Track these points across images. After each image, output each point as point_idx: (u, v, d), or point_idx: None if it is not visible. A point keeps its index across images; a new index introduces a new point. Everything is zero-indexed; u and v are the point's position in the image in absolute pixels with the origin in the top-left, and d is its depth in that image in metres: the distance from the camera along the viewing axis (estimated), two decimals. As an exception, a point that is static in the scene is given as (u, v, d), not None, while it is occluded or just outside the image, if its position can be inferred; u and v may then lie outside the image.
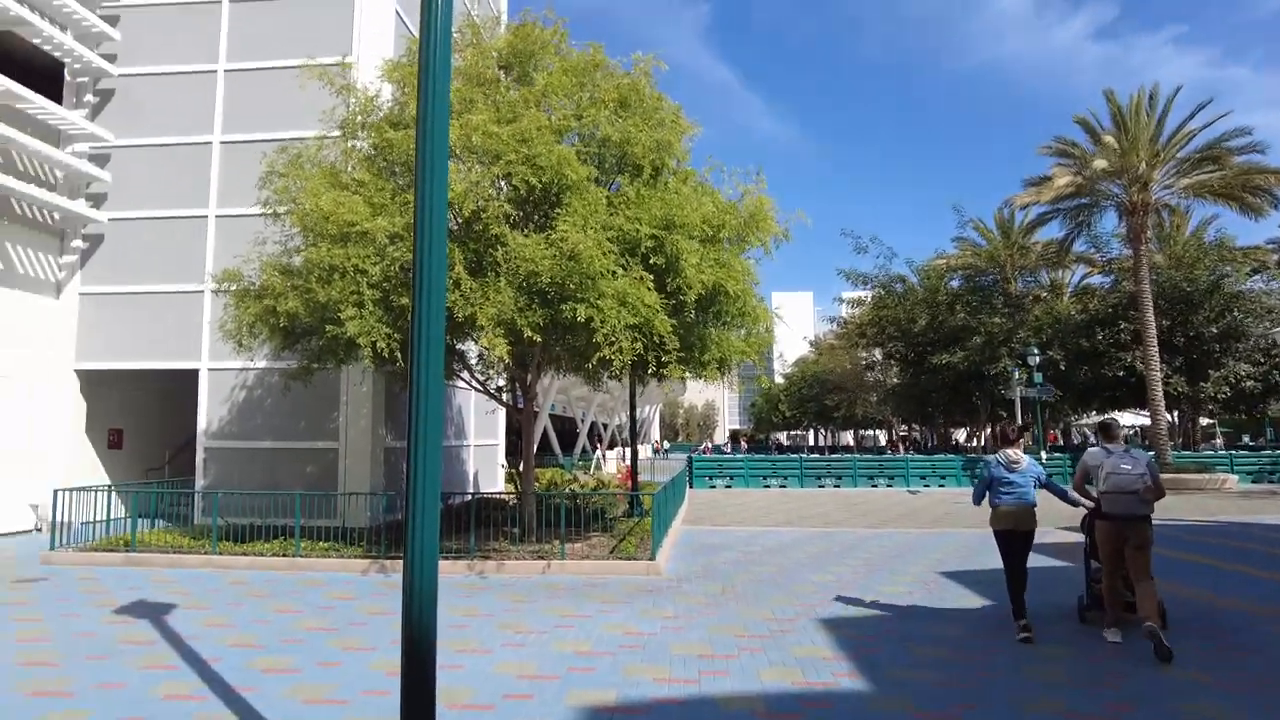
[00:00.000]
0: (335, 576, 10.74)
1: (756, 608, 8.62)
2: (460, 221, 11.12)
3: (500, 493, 18.92)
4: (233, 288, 11.81)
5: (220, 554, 11.59)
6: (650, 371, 11.13)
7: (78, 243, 16.13)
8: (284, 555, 11.51)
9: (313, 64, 11.86)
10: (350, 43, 15.34)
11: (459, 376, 14.02)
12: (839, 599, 9.05)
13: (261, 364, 14.94)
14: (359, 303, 10.02)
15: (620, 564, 10.83)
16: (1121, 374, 31.18)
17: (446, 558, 10.98)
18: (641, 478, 21.35)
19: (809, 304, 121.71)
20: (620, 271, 9.89)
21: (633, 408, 18.87)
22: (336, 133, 11.99)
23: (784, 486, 27.61)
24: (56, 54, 15.50)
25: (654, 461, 37.56)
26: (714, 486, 27.54)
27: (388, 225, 10.00)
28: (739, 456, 32.20)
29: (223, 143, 16.02)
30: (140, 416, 18.19)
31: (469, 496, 14.96)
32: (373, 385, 14.97)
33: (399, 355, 10.09)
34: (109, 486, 13.47)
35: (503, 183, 10.77)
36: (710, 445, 76.99)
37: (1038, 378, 27.79)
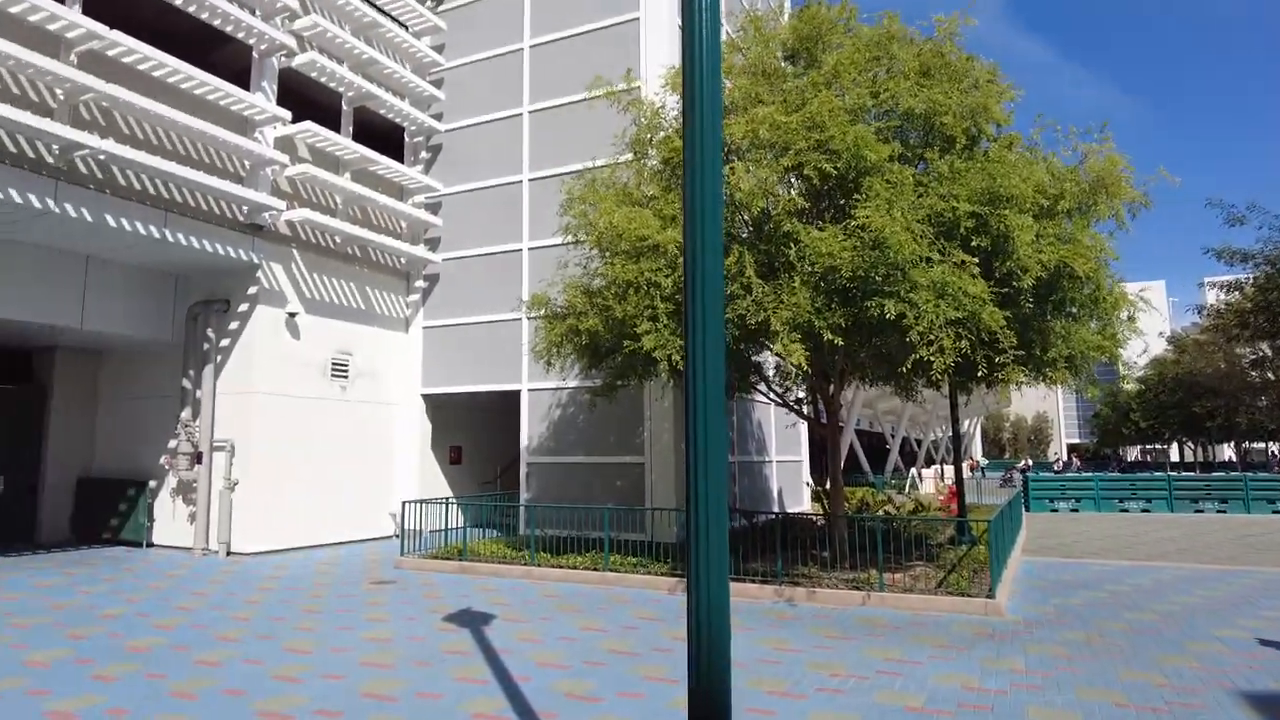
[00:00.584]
0: (642, 594, 10.57)
1: (1138, 667, 6.77)
2: (750, 224, 10.55)
3: (807, 512, 17.95)
4: (541, 311, 12.34)
5: (538, 565, 12.06)
6: (979, 375, 9.52)
7: (420, 282, 18.26)
8: (594, 569, 11.65)
9: (602, 93, 12.05)
10: (637, 65, 15.59)
11: (756, 389, 13.40)
12: (1266, 664, 6.82)
13: (573, 383, 15.62)
14: (653, 316, 9.84)
15: (951, 600, 9.34)
16: None
17: (753, 581, 10.38)
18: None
19: (1161, 294, 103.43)
20: (936, 258, 8.54)
21: (955, 420, 16.86)
22: (628, 155, 12.08)
23: (1146, 510, 23.20)
24: (397, 120, 17.75)
25: (978, 481, 33.85)
26: (1056, 510, 23.95)
27: (677, 236, 9.70)
28: (1087, 475, 27.74)
29: (530, 179, 17.18)
30: (475, 435, 20.09)
31: (774, 515, 14.23)
32: (673, 400, 14.91)
33: (693, 368, 9.68)
34: (446, 499, 14.84)
35: (792, 176, 9.98)
36: (1028, 463, 67.98)
37: None
